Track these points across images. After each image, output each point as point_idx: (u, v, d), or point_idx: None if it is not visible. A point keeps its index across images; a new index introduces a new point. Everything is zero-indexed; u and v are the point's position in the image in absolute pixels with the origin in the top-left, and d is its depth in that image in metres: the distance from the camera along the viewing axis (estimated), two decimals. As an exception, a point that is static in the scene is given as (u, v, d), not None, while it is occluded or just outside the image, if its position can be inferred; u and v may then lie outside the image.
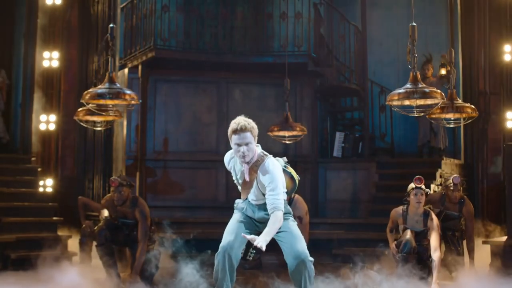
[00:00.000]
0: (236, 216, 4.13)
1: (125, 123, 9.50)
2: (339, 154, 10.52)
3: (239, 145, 3.91)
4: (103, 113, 5.60)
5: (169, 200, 10.02)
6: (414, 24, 5.27)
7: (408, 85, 5.23)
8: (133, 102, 4.95)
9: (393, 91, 5.40)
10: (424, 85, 5.25)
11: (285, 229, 4.01)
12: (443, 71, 9.94)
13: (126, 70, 10.06)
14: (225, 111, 10.33)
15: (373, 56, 10.97)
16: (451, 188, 6.85)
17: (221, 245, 3.94)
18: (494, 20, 9.95)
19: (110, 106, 5.44)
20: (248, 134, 3.93)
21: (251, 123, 3.98)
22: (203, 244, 7.06)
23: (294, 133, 8.29)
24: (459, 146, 10.41)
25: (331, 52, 10.54)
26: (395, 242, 6.45)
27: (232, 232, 3.99)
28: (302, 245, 3.99)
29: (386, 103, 5.47)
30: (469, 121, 6.36)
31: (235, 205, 4.21)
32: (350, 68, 10.87)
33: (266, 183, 3.97)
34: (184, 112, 10.30)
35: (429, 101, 5.33)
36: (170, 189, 10.12)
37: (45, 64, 9.91)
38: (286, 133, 8.33)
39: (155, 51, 9.61)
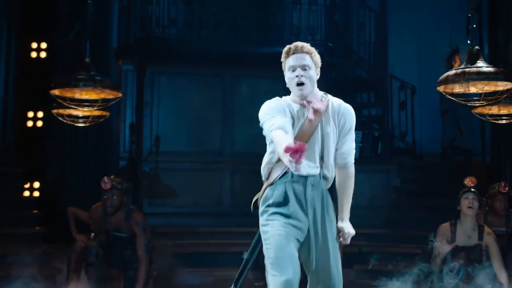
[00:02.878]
0: (277, 225, 3.00)
1: (118, 120, 9.11)
2: (356, 155, 9.72)
3: (294, 68, 3.15)
4: (77, 107, 4.78)
5: (168, 206, 9.45)
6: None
7: (468, 67, 4.68)
8: (109, 95, 4.14)
9: (448, 72, 4.61)
10: (487, 65, 4.64)
11: (323, 242, 3.07)
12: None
13: (120, 62, 9.60)
14: (230, 107, 9.82)
15: (392, 47, 10.40)
16: (498, 198, 5.97)
17: (283, 279, 2.84)
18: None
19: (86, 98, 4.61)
20: (307, 57, 3.18)
21: (312, 48, 3.23)
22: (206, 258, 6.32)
23: None
24: (488, 147, 9.85)
25: (348, 42, 10.07)
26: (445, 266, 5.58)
27: (290, 257, 2.93)
28: (339, 275, 3.11)
29: (437, 89, 4.72)
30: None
31: (262, 201, 3.11)
32: (368, 61, 10.21)
33: (342, 125, 3.17)
34: (185, 109, 9.73)
35: (500, 87, 4.68)
36: (169, 194, 9.55)
37: (33, 55, 9.37)
38: None
39: (153, 41, 9.17)
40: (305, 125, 3.10)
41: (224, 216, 9.24)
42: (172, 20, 9.35)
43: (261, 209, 3.13)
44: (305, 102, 3.14)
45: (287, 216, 3.04)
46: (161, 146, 9.60)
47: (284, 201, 3.07)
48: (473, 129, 9.68)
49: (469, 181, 5.64)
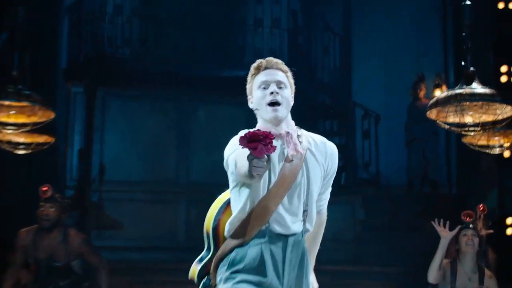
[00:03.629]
0: None
1: (65, 146, 8.74)
2: None
3: (267, 84, 2.64)
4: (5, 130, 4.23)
5: (118, 239, 8.84)
6: (468, 2, 4.70)
7: (462, 88, 4.42)
8: (41, 118, 3.57)
9: (438, 96, 4.26)
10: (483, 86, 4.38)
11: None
12: (437, 92, 9.20)
13: (69, 84, 9.18)
14: (186, 133, 9.36)
15: (356, 73, 10.27)
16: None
17: None
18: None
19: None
20: (283, 74, 2.69)
21: (287, 67, 2.77)
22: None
23: None
24: (454, 178, 9.70)
25: (311, 67, 9.84)
26: None
27: None
28: None
29: (427, 115, 4.52)
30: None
31: (226, 265, 2.54)
32: (332, 87, 10.01)
33: (329, 168, 2.67)
34: (138, 134, 9.25)
35: (500, 116, 4.39)
36: (118, 226, 8.97)
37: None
38: None
39: (105, 60, 8.80)
40: (285, 167, 2.51)
41: (178, 250, 8.68)
42: (126, 40, 9.00)
43: (222, 274, 2.54)
44: (283, 132, 2.58)
45: (259, 285, 2.48)
46: (111, 174, 9.10)
47: (258, 267, 2.49)
48: (440, 159, 9.55)
49: (466, 217, 5.24)
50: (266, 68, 2.68)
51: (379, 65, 10.17)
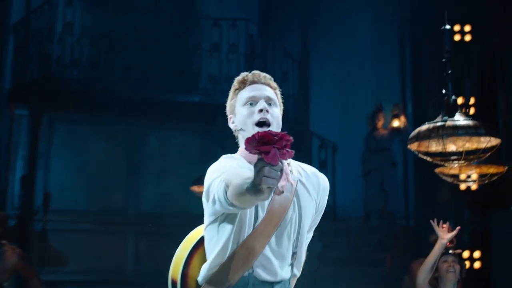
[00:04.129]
0: None
1: (7, 172, 8.37)
2: None
3: (255, 100, 2.28)
4: None
5: (62, 273, 8.49)
6: (447, 27, 4.65)
7: (442, 119, 4.23)
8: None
9: (420, 128, 4.00)
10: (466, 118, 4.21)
11: None
12: (395, 123, 9.26)
13: (13, 106, 8.77)
14: (137, 161, 9.04)
15: (314, 102, 10.15)
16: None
17: None
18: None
19: None
20: (272, 90, 2.34)
21: (275, 84, 2.41)
22: None
23: None
24: (412, 210, 9.50)
25: None
26: None
27: None
28: None
29: (408, 147, 4.43)
30: (494, 178, 4.89)
31: None
32: (289, 115, 9.75)
33: (321, 202, 2.36)
34: (86, 161, 8.91)
35: (483, 143, 4.15)
36: (63, 259, 8.61)
37: None
38: None
39: (52, 82, 8.42)
40: (275, 200, 2.13)
41: (127, 285, 8.44)
42: (75, 61, 8.67)
43: None
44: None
45: None
46: (56, 203, 8.68)
47: None
48: (397, 190, 9.41)
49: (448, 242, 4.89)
50: (253, 82, 2.32)
51: (336, 94, 10.07)
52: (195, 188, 7.06)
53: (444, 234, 4.53)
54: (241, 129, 2.27)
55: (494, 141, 4.22)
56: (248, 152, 1.67)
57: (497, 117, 8.43)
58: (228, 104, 2.38)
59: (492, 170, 4.96)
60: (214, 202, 2.05)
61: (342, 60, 9.96)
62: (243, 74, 2.36)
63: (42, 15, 8.74)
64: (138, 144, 9.07)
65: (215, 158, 7.62)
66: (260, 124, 2.22)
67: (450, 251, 4.87)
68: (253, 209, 2.12)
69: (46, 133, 8.69)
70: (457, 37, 8.84)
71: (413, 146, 4.59)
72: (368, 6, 9.63)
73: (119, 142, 9.05)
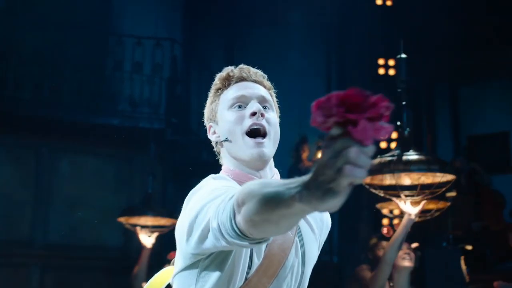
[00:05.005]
0: None
1: None
2: None
3: (244, 102, 1.76)
4: None
5: None
6: (403, 56, 4.53)
7: (395, 155, 4.01)
8: None
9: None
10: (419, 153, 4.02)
11: None
12: (320, 155, 8.85)
13: None
14: (46, 187, 8.29)
15: None
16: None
17: None
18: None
19: None
20: (265, 90, 1.81)
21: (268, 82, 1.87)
22: None
23: (163, 222, 6.27)
24: (335, 246, 9.32)
25: (193, 120, 9.15)
26: None
27: None
28: None
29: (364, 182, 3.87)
30: (437, 214, 4.62)
31: None
32: (208, 142, 9.34)
33: (323, 240, 1.85)
34: None
35: (437, 178, 3.90)
36: None
37: None
38: (150, 221, 6.25)
39: None
40: (274, 241, 1.60)
41: None
42: None
43: None
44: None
45: None
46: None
47: None
48: None
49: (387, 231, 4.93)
50: (240, 79, 1.79)
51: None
52: (123, 220, 6.36)
53: (412, 210, 4.24)
54: (226, 140, 1.74)
55: (449, 176, 3.99)
56: (315, 125, 1.03)
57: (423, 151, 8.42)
58: (206, 109, 1.85)
59: (434, 206, 4.65)
60: (203, 236, 1.45)
61: (268, 88, 9.76)
62: (227, 69, 1.82)
63: None
64: (47, 168, 8.37)
65: (134, 186, 6.95)
66: (253, 133, 1.69)
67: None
68: (247, 253, 1.56)
69: None
70: (381, 71, 8.80)
71: (366, 180, 4.28)
72: (296, 34, 9.49)
73: (26, 166, 8.34)
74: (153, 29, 8.51)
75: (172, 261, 5.74)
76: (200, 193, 1.56)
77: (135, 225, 6.27)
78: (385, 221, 7.12)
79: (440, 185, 3.93)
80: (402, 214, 4.71)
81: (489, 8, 8.44)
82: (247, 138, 1.69)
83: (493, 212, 8.48)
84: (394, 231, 4.85)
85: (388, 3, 8.94)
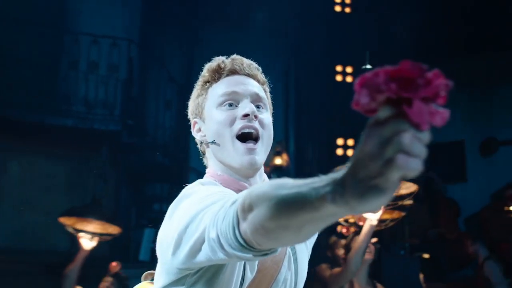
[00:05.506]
0: None
1: None
2: (146, 257, 8.58)
3: (235, 100, 1.57)
4: None
5: None
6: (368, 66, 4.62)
7: None
8: None
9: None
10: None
11: None
12: (277, 160, 8.84)
13: None
14: None
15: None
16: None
17: None
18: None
19: None
20: (259, 86, 1.62)
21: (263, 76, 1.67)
22: None
23: (110, 229, 6.02)
24: None
25: (148, 123, 9.03)
26: None
27: None
28: None
29: None
30: (392, 224, 4.54)
31: None
32: (167, 147, 9.39)
33: (309, 254, 1.69)
34: None
35: (402, 190, 3.83)
36: None
37: None
38: (98, 227, 5.93)
39: None
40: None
41: None
42: None
43: None
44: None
45: None
46: None
47: None
48: None
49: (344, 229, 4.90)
50: (232, 72, 1.59)
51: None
52: (64, 221, 6.07)
53: (372, 216, 4.19)
54: (213, 142, 1.55)
55: (412, 188, 3.92)
56: (358, 108, 0.83)
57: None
58: (191, 103, 1.65)
59: (388, 216, 4.58)
60: (195, 248, 1.25)
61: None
62: (217, 60, 1.62)
63: None
64: (-4, 170, 8.04)
65: (87, 190, 6.64)
66: (244, 137, 1.51)
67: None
68: (240, 267, 1.38)
69: None
70: (339, 78, 8.79)
71: None
72: (255, 38, 9.41)
73: (-27, 168, 7.94)
74: (110, 28, 8.24)
75: (116, 274, 5.45)
76: (189, 200, 1.37)
77: (78, 230, 5.91)
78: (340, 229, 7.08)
79: (403, 196, 3.85)
80: (356, 223, 4.65)
81: (444, 20, 8.52)
82: (237, 142, 1.52)
83: (448, 220, 8.52)
84: (357, 232, 4.80)
85: (347, 10, 8.94)
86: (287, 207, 0.97)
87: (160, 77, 8.90)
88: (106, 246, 8.12)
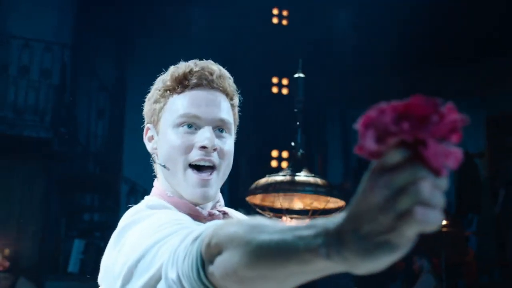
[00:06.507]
0: None
1: None
2: (75, 269, 8.23)
3: (197, 123, 1.38)
4: None
5: None
6: (301, 75, 4.38)
7: (284, 175, 3.84)
8: None
9: (258, 181, 3.88)
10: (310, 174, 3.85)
11: None
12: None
13: None
14: None
15: (128, 143, 9.16)
16: None
17: None
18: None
19: None
20: (226, 103, 1.43)
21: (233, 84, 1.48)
22: None
23: None
24: None
25: (79, 131, 8.67)
26: None
27: None
28: None
29: (247, 199, 3.95)
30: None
31: None
32: (98, 156, 9.05)
33: None
34: None
35: (330, 204, 3.76)
36: None
37: None
38: None
39: None
40: None
41: None
42: None
43: None
44: (215, 212, 1.38)
45: None
46: None
47: None
48: None
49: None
50: (199, 83, 1.39)
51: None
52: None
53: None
54: (163, 166, 1.38)
55: (340, 203, 3.89)
56: (363, 153, 0.68)
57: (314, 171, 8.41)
58: (147, 105, 1.46)
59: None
60: (149, 285, 1.12)
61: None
62: (184, 67, 1.40)
63: None
64: None
65: (14, 199, 6.31)
66: (197, 167, 1.35)
67: None
68: None
69: None
70: (275, 89, 8.78)
71: (255, 200, 4.07)
72: (191, 47, 9.28)
73: None
74: (42, 31, 7.94)
75: None
76: (140, 227, 1.23)
77: None
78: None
79: (330, 210, 3.83)
80: None
81: (384, 34, 8.59)
82: (190, 171, 1.36)
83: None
84: None
85: (284, 22, 8.95)
86: (269, 257, 0.81)
87: (92, 84, 8.67)
88: (36, 257, 7.84)
